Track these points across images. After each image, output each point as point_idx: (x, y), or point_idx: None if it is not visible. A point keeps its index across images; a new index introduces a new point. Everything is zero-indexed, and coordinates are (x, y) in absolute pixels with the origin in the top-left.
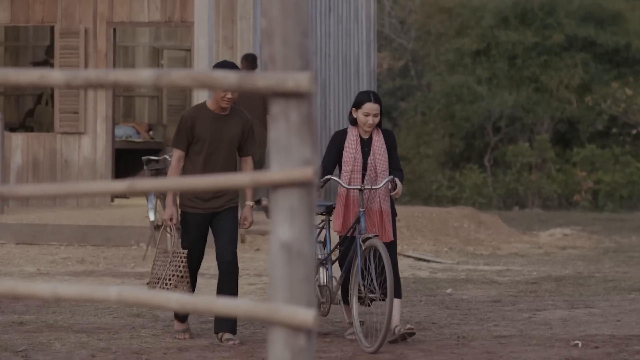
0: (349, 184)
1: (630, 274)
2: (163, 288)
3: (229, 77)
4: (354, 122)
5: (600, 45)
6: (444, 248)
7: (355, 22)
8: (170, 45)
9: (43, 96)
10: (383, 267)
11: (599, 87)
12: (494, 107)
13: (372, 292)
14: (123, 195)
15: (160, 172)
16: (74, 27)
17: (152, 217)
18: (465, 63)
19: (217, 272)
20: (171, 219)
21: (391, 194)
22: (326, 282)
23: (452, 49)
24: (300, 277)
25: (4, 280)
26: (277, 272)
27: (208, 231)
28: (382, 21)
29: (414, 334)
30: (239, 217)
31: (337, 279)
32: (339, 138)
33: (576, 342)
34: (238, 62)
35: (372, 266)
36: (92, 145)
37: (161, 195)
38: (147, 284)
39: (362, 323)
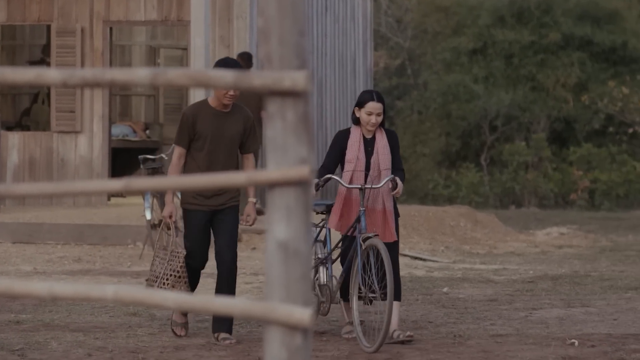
0: (351, 183)
1: (627, 273)
2: (160, 287)
3: (225, 76)
4: (356, 121)
5: (597, 44)
6: (440, 247)
7: (352, 21)
8: (166, 44)
9: (39, 95)
10: (383, 266)
11: (595, 86)
12: (491, 106)
13: (372, 291)
14: (120, 194)
15: (157, 171)
16: (70, 26)
17: (148, 216)
18: (462, 62)
19: (215, 271)
20: (170, 217)
21: (392, 193)
22: (326, 281)
23: (449, 47)
24: (296, 276)
25: (1, 279)
26: (274, 271)
27: (210, 230)
28: (378, 20)
29: (412, 341)
30: (241, 217)
31: (337, 278)
32: (342, 137)
33: (573, 341)
34: None
35: (373, 266)
36: (88, 144)
37: (158, 194)
38: (146, 280)
39: (362, 323)
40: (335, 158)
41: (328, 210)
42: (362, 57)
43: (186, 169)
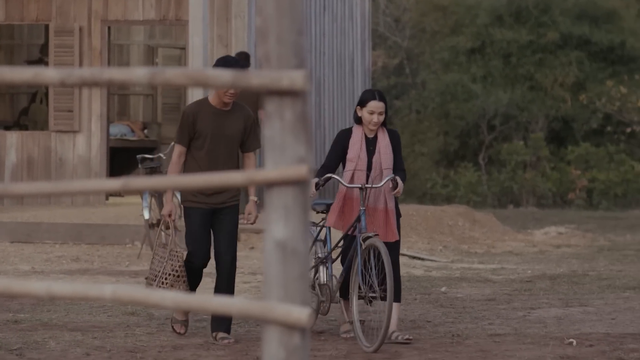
0: (352, 182)
1: (625, 272)
2: (159, 286)
3: (223, 76)
4: (358, 120)
5: (595, 44)
6: (438, 246)
7: (350, 20)
8: (164, 43)
9: (38, 94)
10: (383, 266)
11: (593, 85)
12: (489, 105)
13: (372, 291)
14: (118, 194)
15: (155, 170)
16: (68, 26)
17: (146, 215)
18: (460, 61)
19: (214, 271)
20: (170, 215)
21: (392, 193)
22: (326, 280)
23: (447, 47)
24: (294, 275)
25: None
26: (272, 271)
27: (210, 228)
28: (376, 19)
29: (410, 343)
30: (242, 215)
31: (338, 277)
32: (344, 136)
33: (571, 340)
34: None
35: (372, 265)
36: (86, 143)
37: (156, 194)
38: (146, 278)
39: (362, 322)
40: (336, 157)
41: (328, 209)
42: (361, 56)
43: (186, 167)
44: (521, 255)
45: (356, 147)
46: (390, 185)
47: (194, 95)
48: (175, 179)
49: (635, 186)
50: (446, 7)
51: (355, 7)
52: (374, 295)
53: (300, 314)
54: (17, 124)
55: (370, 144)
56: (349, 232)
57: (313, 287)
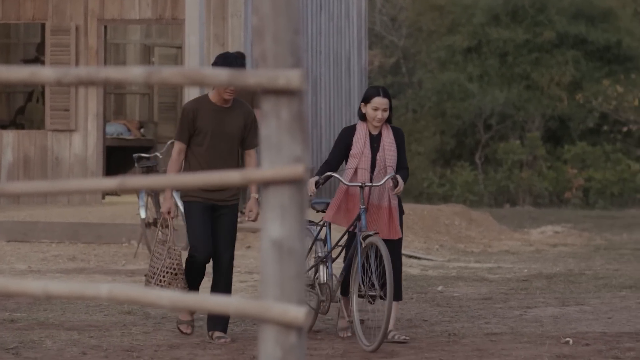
0: (354, 179)
1: (621, 272)
2: (157, 285)
3: (220, 75)
4: (363, 117)
5: (591, 43)
6: (435, 245)
7: (347, 19)
8: (161, 42)
9: (34, 93)
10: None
11: (590, 84)
12: (485, 104)
13: (372, 290)
14: (114, 193)
15: (152, 169)
16: (64, 25)
17: (143, 214)
18: (457, 60)
19: (211, 270)
20: (169, 213)
21: (393, 191)
22: (326, 280)
23: (443, 46)
24: (291, 274)
25: None
26: (268, 270)
27: (211, 223)
28: (373, 18)
29: (407, 342)
30: (242, 215)
31: (338, 276)
32: (348, 133)
33: (567, 339)
34: None
35: (373, 264)
36: (83, 142)
37: (152, 193)
38: (145, 276)
39: (362, 322)
40: (339, 155)
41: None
42: (357, 55)
43: (187, 164)
44: (517, 254)
45: (360, 144)
46: (391, 184)
47: (190, 94)
48: (172, 178)
49: (631, 185)
50: (442, 6)
51: (352, 6)
52: (373, 294)
53: (297, 313)
54: (14, 123)
55: (374, 141)
56: (351, 229)
57: (313, 287)
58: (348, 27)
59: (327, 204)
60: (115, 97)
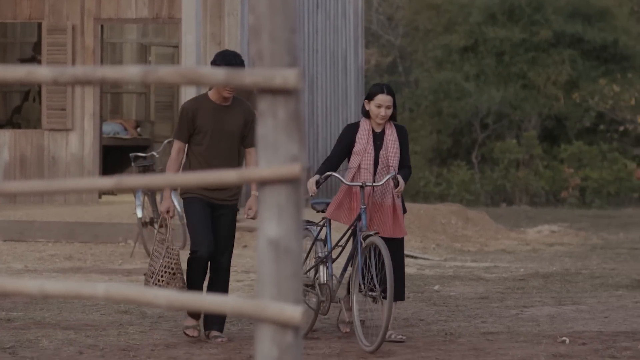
0: (356, 177)
1: (618, 271)
2: (156, 284)
3: (216, 74)
4: (366, 114)
5: (588, 42)
6: (431, 245)
7: (343, 18)
8: (157, 41)
9: (30, 93)
10: (383, 264)
11: (586, 83)
12: (482, 103)
13: (372, 290)
14: (111, 192)
15: (148, 168)
16: (61, 24)
17: (139, 214)
18: (453, 59)
19: (209, 269)
20: (168, 212)
21: (394, 191)
22: (326, 280)
23: (440, 45)
24: (287, 273)
25: None
26: (265, 269)
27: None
28: (369, 17)
29: (403, 342)
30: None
31: (338, 277)
32: (351, 130)
33: (563, 338)
34: None
35: (373, 264)
36: (79, 142)
37: (149, 192)
38: (144, 275)
39: (362, 322)
40: (341, 152)
41: None
42: (354, 54)
43: (187, 163)
44: (514, 253)
45: (363, 141)
46: (392, 184)
47: (187, 93)
48: (168, 177)
49: (628, 184)
50: (439, 5)
51: (348, 5)
52: (373, 294)
53: (293, 312)
54: (10, 123)
55: (378, 139)
56: (352, 229)
57: (313, 287)
58: (345, 26)
59: (327, 204)
60: (111, 96)
